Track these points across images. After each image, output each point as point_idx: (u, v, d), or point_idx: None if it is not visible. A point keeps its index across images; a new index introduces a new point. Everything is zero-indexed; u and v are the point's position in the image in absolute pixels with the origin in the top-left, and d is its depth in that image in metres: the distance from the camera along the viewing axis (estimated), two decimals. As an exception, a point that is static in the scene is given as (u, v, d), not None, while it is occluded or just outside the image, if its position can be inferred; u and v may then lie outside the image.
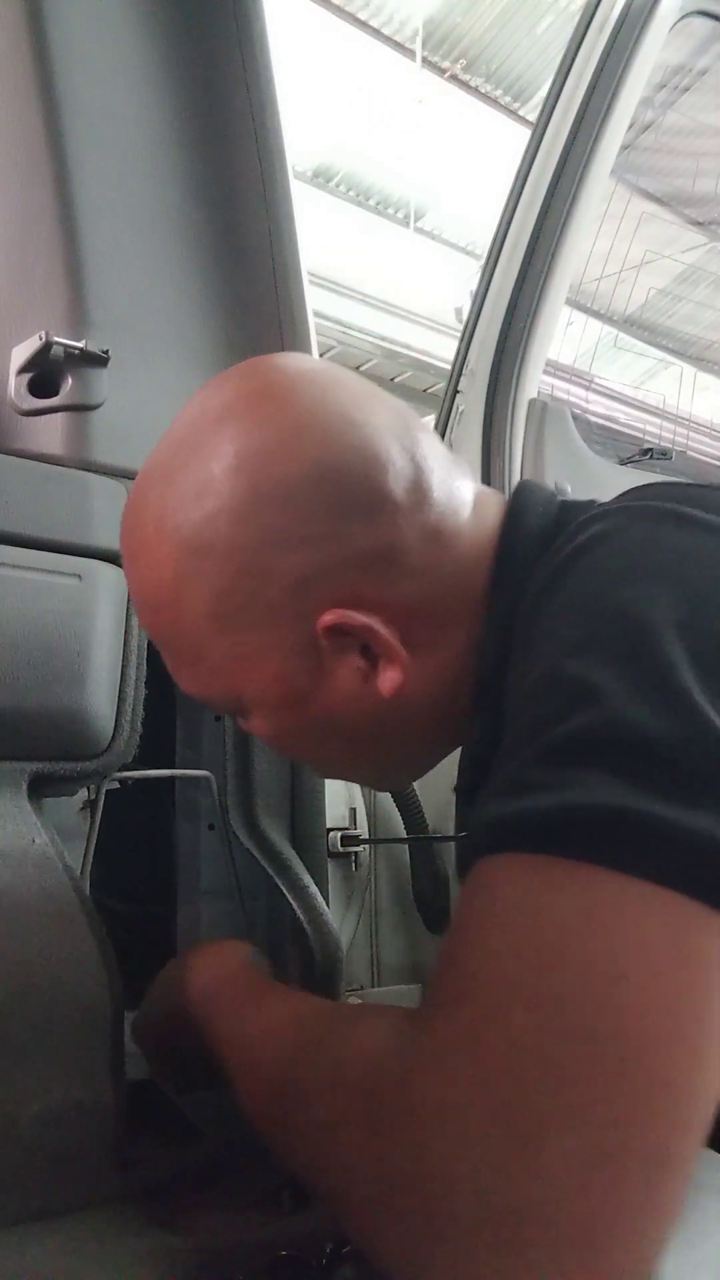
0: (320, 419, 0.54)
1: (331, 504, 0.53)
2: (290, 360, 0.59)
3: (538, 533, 0.57)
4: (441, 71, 6.43)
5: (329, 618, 0.54)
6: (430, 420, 1.34)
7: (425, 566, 0.56)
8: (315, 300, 0.97)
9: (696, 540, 0.46)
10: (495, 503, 0.61)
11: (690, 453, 1.69)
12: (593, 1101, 0.36)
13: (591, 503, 0.59)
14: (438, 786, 1.14)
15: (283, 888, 0.89)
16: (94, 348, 0.81)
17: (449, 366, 1.29)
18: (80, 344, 0.80)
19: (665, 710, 0.39)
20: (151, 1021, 0.70)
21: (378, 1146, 0.39)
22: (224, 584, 0.54)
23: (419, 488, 0.55)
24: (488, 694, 0.57)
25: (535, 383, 1.25)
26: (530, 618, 0.52)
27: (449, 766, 1.17)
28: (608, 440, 1.41)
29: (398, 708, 0.58)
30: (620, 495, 0.57)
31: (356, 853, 1.02)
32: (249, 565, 0.54)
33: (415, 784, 1.10)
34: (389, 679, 0.56)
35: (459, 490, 0.58)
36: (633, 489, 0.57)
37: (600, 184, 1.26)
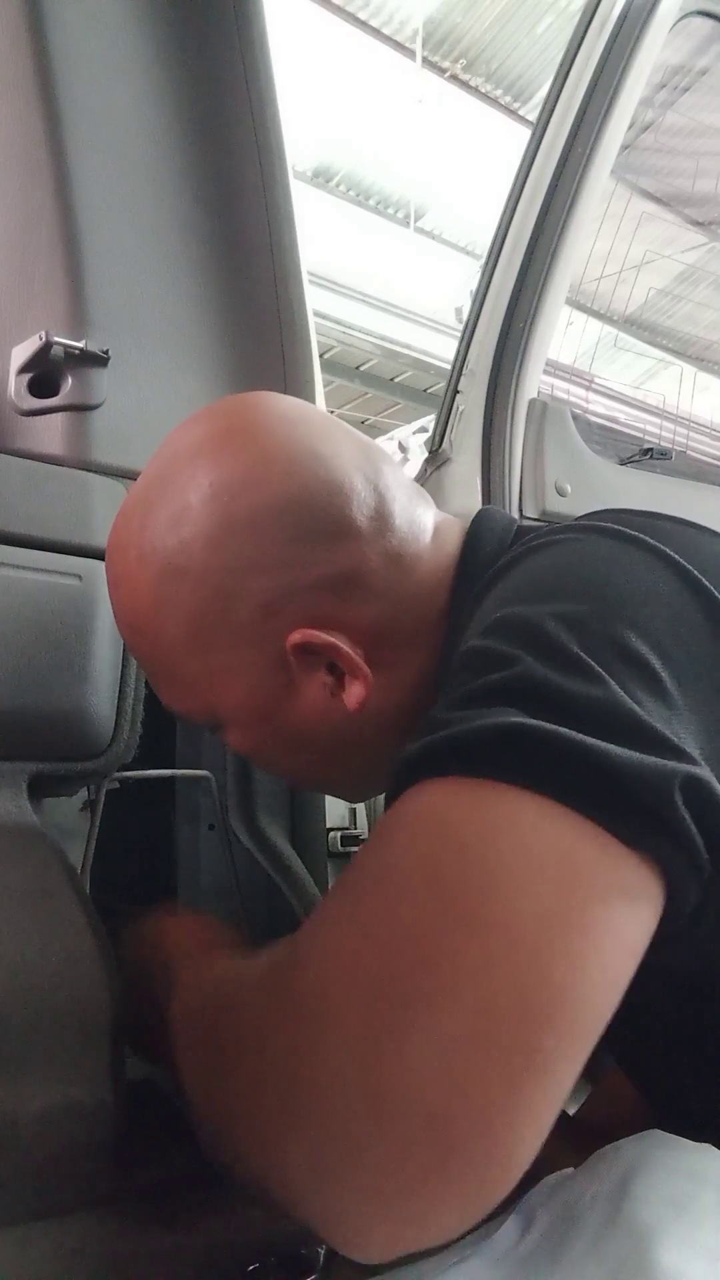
0: (287, 452, 0.58)
1: (297, 531, 0.57)
2: (261, 399, 0.63)
3: (493, 557, 0.61)
4: (441, 71, 6.43)
5: (296, 637, 0.58)
6: (430, 420, 1.34)
7: (387, 589, 0.59)
8: (315, 300, 0.97)
9: (621, 552, 0.49)
10: (455, 529, 0.65)
11: (690, 453, 1.69)
12: (463, 988, 0.36)
13: (548, 525, 0.63)
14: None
15: (283, 888, 0.89)
16: (94, 348, 0.81)
17: (449, 366, 1.29)
18: (80, 344, 0.80)
19: (576, 676, 0.42)
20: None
21: (254, 1032, 0.41)
22: (198, 606, 0.58)
23: (381, 515, 0.59)
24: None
25: (535, 383, 1.25)
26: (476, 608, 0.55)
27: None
28: (608, 440, 1.41)
29: (365, 721, 0.61)
30: (578, 519, 0.61)
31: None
32: (221, 588, 0.57)
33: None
34: (354, 694, 0.60)
35: (419, 518, 0.62)
36: (589, 515, 0.61)
37: (600, 184, 1.26)
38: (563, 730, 0.39)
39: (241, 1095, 0.41)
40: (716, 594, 0.47)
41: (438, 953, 0.37)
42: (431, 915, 0.38)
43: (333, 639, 0.58)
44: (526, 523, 0.66)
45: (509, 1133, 0.35)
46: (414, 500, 0.63)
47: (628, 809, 0.39)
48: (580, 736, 0.39)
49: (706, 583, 0.47)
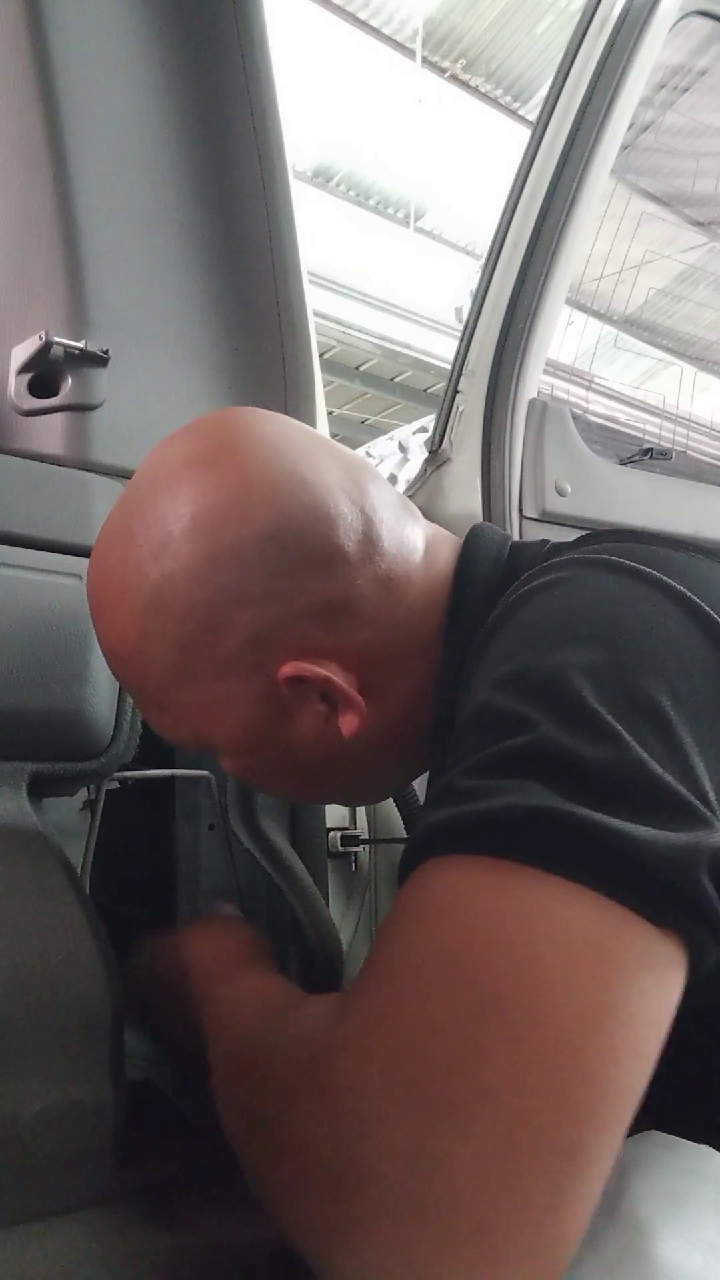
0: (270, 479, 0.56)
1: (284, 562, 0.55)
2: (243, 419, 0.61)
3: (487, 578, 0.60)
4: (441, 71, 6.43)
5: (287, 669, 0.57)
6: (430, 420, 1.34)
7: (379, 614, 0.58)
8: (315, 300, 0.97)
9: (627, 590, 0.49)
10: (448, 547, 0.64)
11: (690, 453, 1.69)
12: (504, 1090, 0.36)
13: (543, 543, 0.62)
14: (438, 786, 1.14)
15: (283, 888, 0.89)
16: (94, 348, 0.81)
17: (449, 366, 1.29)
18: (80, 344, 0.80)
19: (594, 739, 0.41)
20: (148, 992, 0.72)
21: (296, 1125, 0.40)
22: (184, 639, 0.57)
23: (369, 540, 0.58)
24: (443, 729, 0.60)
25: (535, 383, 1.25)
26: (477, 659, 0.54)
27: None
28: (608, 440, 1.41)
29: (360, 745, 0.61)
30: (575, 542, 0.60)
31: (356, 853, 1.02)
32: (207, 622, 0.56)
33: (415, 785, 1.10)
34: (348, 722, 0.59)
35: (409, 538, 0.61)
36: (589, 536, 0.60)
37: (600, 184, 1.26)
38: (588, 813, 0.39)
39: (286, 1180, 0.41)
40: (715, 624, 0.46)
41: (476, 1054, 0.36)
42: (465, 1011, 0.37)
43: (324, 671, 0.57)
44: (520, 540, 0.65)
45: (555, 1230, 0.35)
46: (402, 518, 0.61)
47: (654, 890, 0.38)
48: (606, 820, 0.39)
49: (714, 615, 0.47)
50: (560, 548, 0.60)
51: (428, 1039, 0.37)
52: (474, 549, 0.63)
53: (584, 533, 0.63)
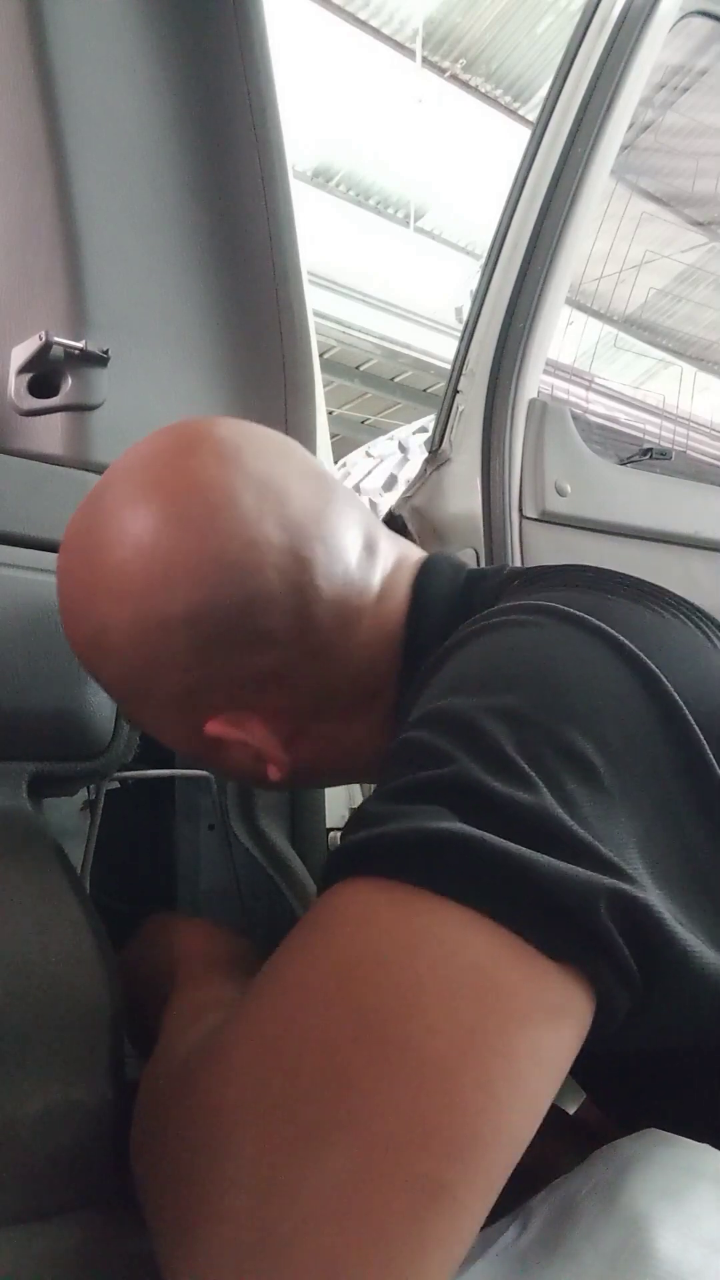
0: (204, 556, 0.55)
1: (210, 640, 0.56)
2: (189, 464, 0.58)
3: (439, 622, 0.60)
4: (441, 71, 6.43)
5: (211, 727, 0.59)
6: (430, 420, 1.34)
7: (310, 680, 0.59)
8: (315, 300, 0.97)
9: (567, 638, 0.48)
10: (404, 587, 0.62)
11: (690, 453, 1.69)
12: (368, 1116, 0.34)
13: (500, 570, 0.62)
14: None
15: (283, 888, 0.89)
16: (94, 348, 0.81)
17: (449, 366, 1.29)
18: (80, 344, 0.80)
19: (509, 781, 0.40)
20: (133, 976, 0.71)
21: (165, 1140, 0.40)
22: (120, 679, 0.61)
23: (302, 618, 0.57)
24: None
25: (535, 383, 1.25)
26: (415, 698, 0.54)
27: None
28: (608, 440, 1.41)
29: (305, 771, 0.64)
30: (530, 577, 0.59)
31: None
32: (138, 676, 0.59)
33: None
34: (272, 771, 0.62)
35: (357, 591, 0.59)
36: (543, 572, 0.59)
37: (600, 184, 1.26)
38: (490, 838, 0.38)
39: (149, 1202, 0.40)
40: (665, 682, 0.45)
41: (343, 1075, 0.35)
42: (341, 1031, 0.36)
43: (242, 735, 0.60)
44: (476, 569, 0.65)
45: (411, 1269, 0.33)
46: (353, 569, 0.59)
47: (553, 921, 0.37)
48: (506, 845, 0.38)
49: (656, 670, 0.45)
50: (516, 583, 0.59)
51: (297, 1058, 0.36)
52: (426, 591, 0.62)
53: (542, 566, 0.62)
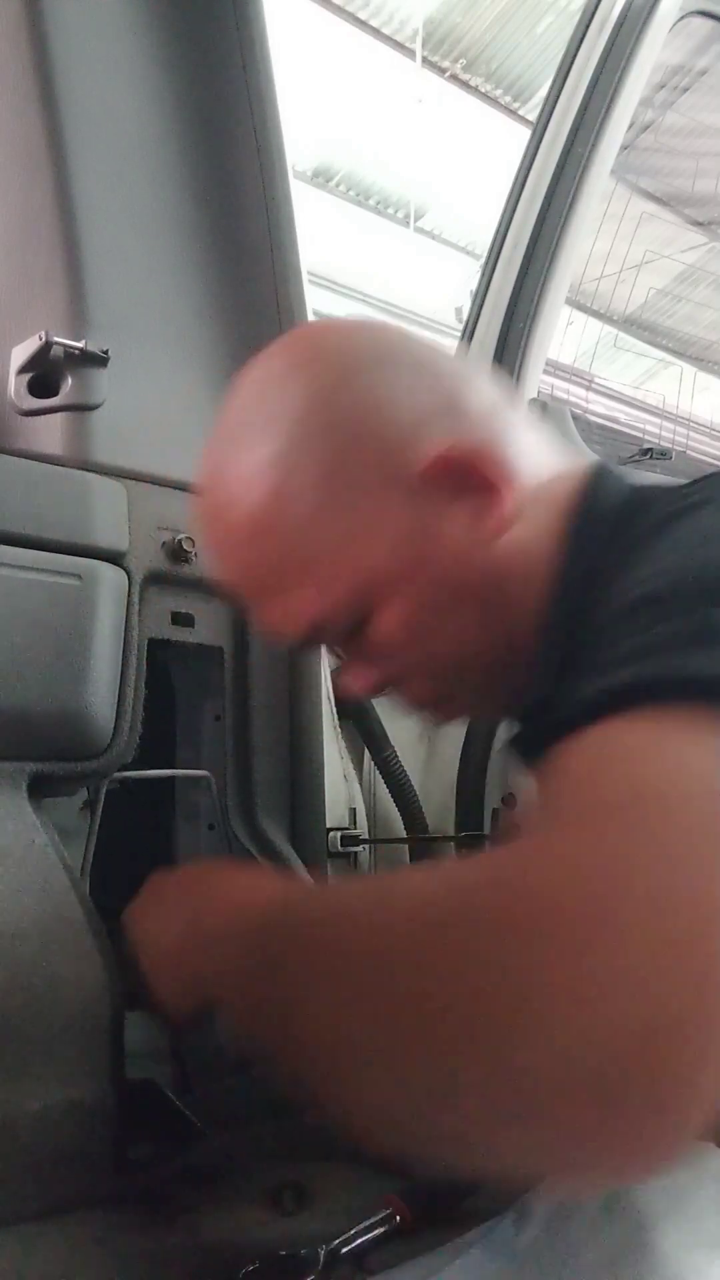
0: (395, 339, 0.62)
1: (404, 375, 0.59)
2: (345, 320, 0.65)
3: (621, 493, 0.60)
4: (441, 71, 6.43)
5: (440, 452, 0.58)
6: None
7: (511, 451, 0.60)
8: (315, 300, 0.97)
9: None
10: (572, 466, 0.64)
11: (690, 453, 1.69)
12: (707, 921, 0.33)
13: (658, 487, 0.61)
14: (438, 787, 1.14)
15: (283, 888, 0.89)
16: (94, 348, 0.81)
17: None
18: (80, 344, 0.80)
19: None
20: (178, 947, 0.61)
21: (467, 966, 0.35)
22: (327, 463, 0.58)
23: (500, 406, 0.62)
24: (559, 625, 0.58)
25: (535, 383, 1.25)
26: (618, 566, 0.52)
27: (448, 765, 1.17)
28: (608, 440, 1.41)
29: (503, 568, 0.60)
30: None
31: (356, 853, 1.02)
32: (340, 445, 0.58)
33: (415, 784, 1.10)
34: (498, 512, 0.59)
35: (537, 431, 0.63)
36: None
37: (600, 184, 1.26)
38: None
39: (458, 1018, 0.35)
40: None
41: (675, 891, 0.34)
42: (675, 850, 0.35)
43: (472, 453, 0.58)
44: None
45: None
46: (531, 424, 0.65)
47: None
48: None
49: None
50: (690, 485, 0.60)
51: (632, 869, 0.34)
52: (604, 474, 0.63)
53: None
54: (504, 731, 0.72)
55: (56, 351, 0.80)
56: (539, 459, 0.62)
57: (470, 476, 0.58)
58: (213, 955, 0.54)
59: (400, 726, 1.12)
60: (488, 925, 0.36)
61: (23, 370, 0.82)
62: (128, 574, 0.80)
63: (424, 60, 6.28)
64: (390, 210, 7.13)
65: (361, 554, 0.59)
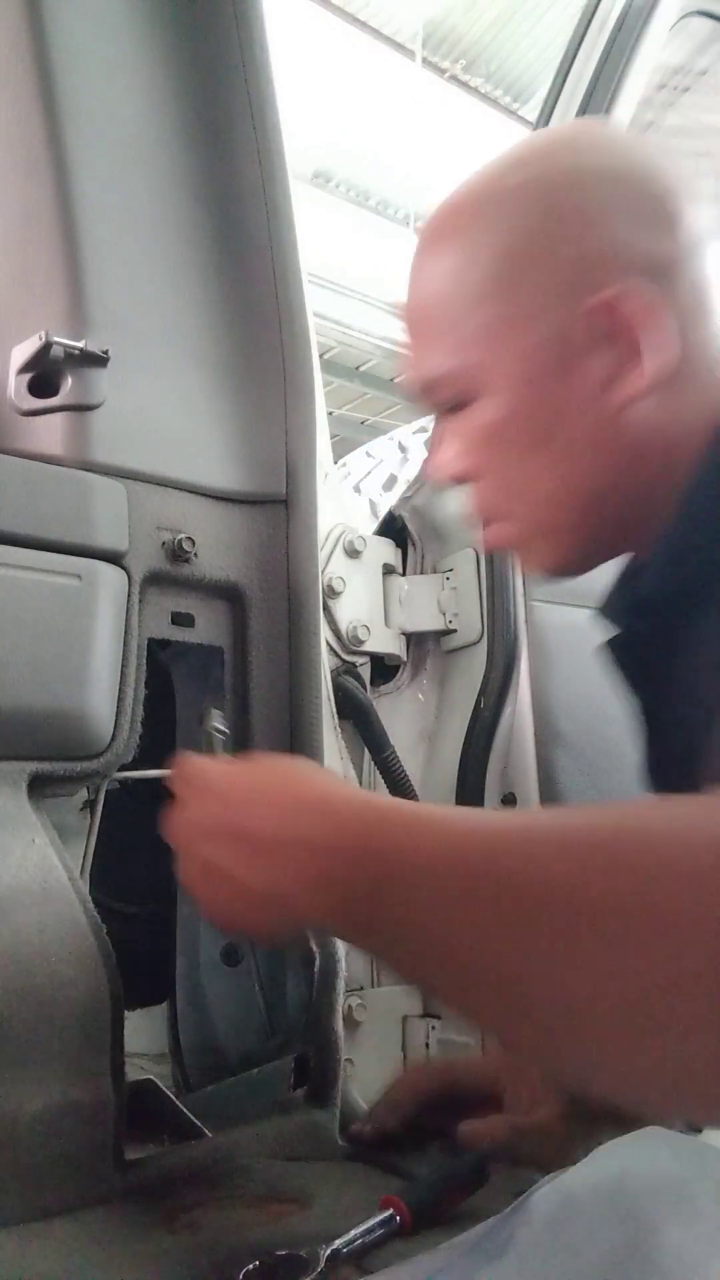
0: (611, 135, 0.64)
1: (637, 203, 0.59)
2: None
3: None
4: (441, 71, 6.43)
5: (606, 294, 0.57)
6: (430, 420, 1.34)
7: (691, 309, 0.59)
8: (315, 300, 0.97)
9: None
10: None
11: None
12: None
13: None
14: (438, 787, 1.14)
15: (283, 888, 0.89)
16: (94, 348, 0.81)
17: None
18: (80, 344, 0.80)
19: None
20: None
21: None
22: (529, 234, 0.60)
23: (699, 246, 0.60)
24: (687, 530, 0.57)
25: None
26: None
27: (448, 765, 1.16)
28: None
29: (614, 437, 0.59)
30: None
31: None
32: (557, 225, 0.59)
33: (414, 781, 1.10)
34: (633, 384, 0.58)
35: None
36: None
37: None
38: None
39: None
40: None
41: None
42: None
43: (635, 307, 0.57)
44: None
45: None
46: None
47: None
48: None
49: None
50: None
51: None
52: None
53: None
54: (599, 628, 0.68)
55: (56, 351, 0.80)
56: None
57: (623, 335, 0.58)
58: (305, 874, 0.46)
59: (400, 727, 1.12)
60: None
61: (23, 370, 0.82)
62: (128, 574, 0.80)
63: (424, 60, 6.28)
64: (390, 210, 7.14)
65: (494, 342, 0.61)
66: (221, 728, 0.74)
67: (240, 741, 0.92)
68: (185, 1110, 0.77)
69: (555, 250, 0.59)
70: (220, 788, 0.55)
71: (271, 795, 0.51)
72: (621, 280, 0.57)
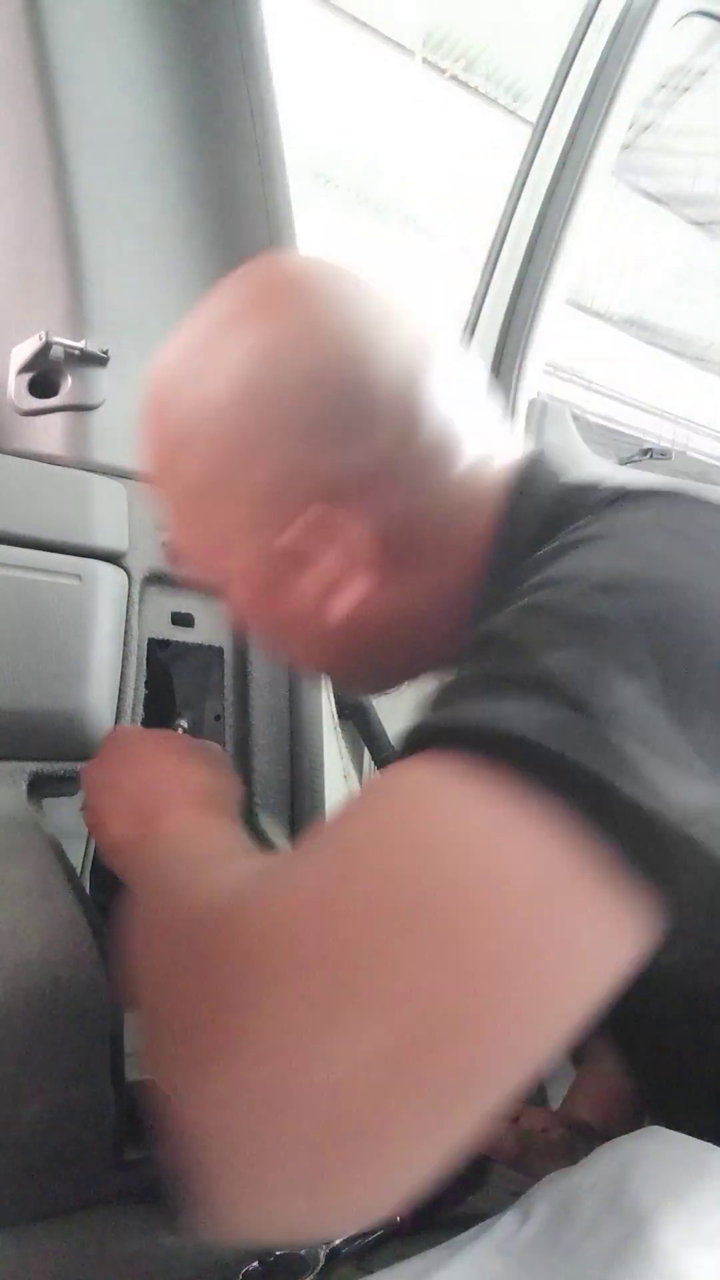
0: (321, 333, 0.55)
1: (316, 417, 0.54)
2: (322, 271, 0.59)
3: (544, 513, 0.57)
4: (441, 71, 6.43)
5: (293, 530, 0.55)
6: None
7: (402, 500, 0.56)
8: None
9: (704, 549, 0.45)
10: (508, 459, 0.60)
11: (690, 453, 1.69)
12: (407, 1000, 0.34)
13: (601, 483, 0.59)
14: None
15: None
16: (94, 348, 0.81)
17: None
18: (80, 344, 0.80)
19: (625, 676, 0.38)
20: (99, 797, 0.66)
21: (183, 975, 0.38)
22: (209, 467, 0.57)
23: (407, 421, 0.55)
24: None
25: (535, 383, 1.25)
26: (524, 578, 0.50)
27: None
28: (608, 440, 1.41)
29: (365, 622, 0.58)
30: (640, 494, 0.56)
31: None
32: (232, 456, 0.56)
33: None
34: (341, 602, 0.57)
35: (459, 425, 0.58)
36: (656, 491, 0.56)
37: (600, 184, 1.26)
38: (598, 731, 0.36)
39: (176, 1014, 0.39)
40: None
41: (392, 954, 0.34)
42: (398, 910, 0.35)
43: (323, 540, 0.56)
44: (573, 482, 0.61)
45: (426, 1154, 0.34)
46: (455, 413, 0.58)
47: (644, 835, 0.36)
48: (614, 742, 0.36)
49: None
50: (623, 494, 0.57)
51: (350, 924, 0.35)
52: (535, 475, 0.60)
53: (648, 485, 0.58)
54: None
55: (56, 351, 0.80)
56: (452, 503, 0.58)
57: (323, 556, 0.56)
58: (114, 842, 0.60)
59: (401, 726, 1.12)
60: (223, 941, 0.38)
61: (23, 370, 0.82)
62: (128, 574, 0.80)
63: (424, 60, 6.28)
64: (390, 210, 7.14)
65: (211, 557, 0.61)
66: (184, 724, 0.87)
67: (241, 741, 0.92)
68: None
69: (249, 474, 0.56)
70: (121, 750, 0.67)
71: (146, 766, 0.64)
72: (307, 508, 0.55)
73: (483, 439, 0.59)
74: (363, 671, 0.67)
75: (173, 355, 0.60)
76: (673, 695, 0.39)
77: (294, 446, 0.55)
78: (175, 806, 0.59)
